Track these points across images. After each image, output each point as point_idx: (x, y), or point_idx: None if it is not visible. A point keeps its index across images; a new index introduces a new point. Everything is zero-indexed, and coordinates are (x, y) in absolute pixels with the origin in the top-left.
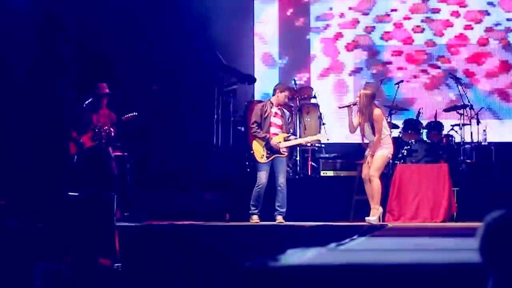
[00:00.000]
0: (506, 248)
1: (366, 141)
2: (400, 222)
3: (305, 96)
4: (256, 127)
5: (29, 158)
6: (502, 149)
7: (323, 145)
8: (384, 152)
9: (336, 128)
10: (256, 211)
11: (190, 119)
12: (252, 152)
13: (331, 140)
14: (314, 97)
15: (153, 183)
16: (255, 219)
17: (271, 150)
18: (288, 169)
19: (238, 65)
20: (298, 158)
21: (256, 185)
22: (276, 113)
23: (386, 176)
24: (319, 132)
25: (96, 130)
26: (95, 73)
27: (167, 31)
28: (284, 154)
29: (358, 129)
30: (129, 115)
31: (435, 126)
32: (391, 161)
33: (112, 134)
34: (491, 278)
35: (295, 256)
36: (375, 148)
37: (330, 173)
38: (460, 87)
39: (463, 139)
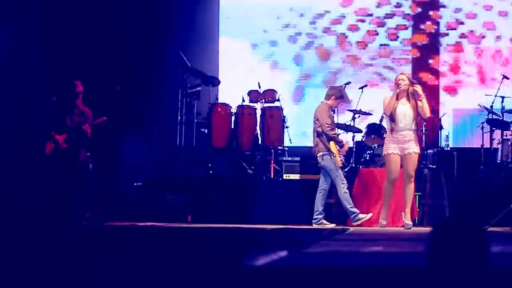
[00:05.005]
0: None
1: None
2: (362, 226)
3: (269, 99)
4: (335, 130)
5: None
6: (464, 154)
7: (286, 148)
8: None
9: (299, 131)
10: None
11: (153, 121)
12: (334, 156)
13: (294, 143)
14: (278, 100)
15: (116, 184)
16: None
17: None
18: (250, 171)
19: (202, 67)
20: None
21: (344, 188)
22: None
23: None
24: (283, 135)
25: (71, 132)
26: (61, 73)
27: (131, 31)
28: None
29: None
30: (99, 119)
31: None
32: (353, 165)
33: (89, 135)
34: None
35: (256, 259)
36: (416, 142)
37: (293, 176)
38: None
39: (425, 145)
